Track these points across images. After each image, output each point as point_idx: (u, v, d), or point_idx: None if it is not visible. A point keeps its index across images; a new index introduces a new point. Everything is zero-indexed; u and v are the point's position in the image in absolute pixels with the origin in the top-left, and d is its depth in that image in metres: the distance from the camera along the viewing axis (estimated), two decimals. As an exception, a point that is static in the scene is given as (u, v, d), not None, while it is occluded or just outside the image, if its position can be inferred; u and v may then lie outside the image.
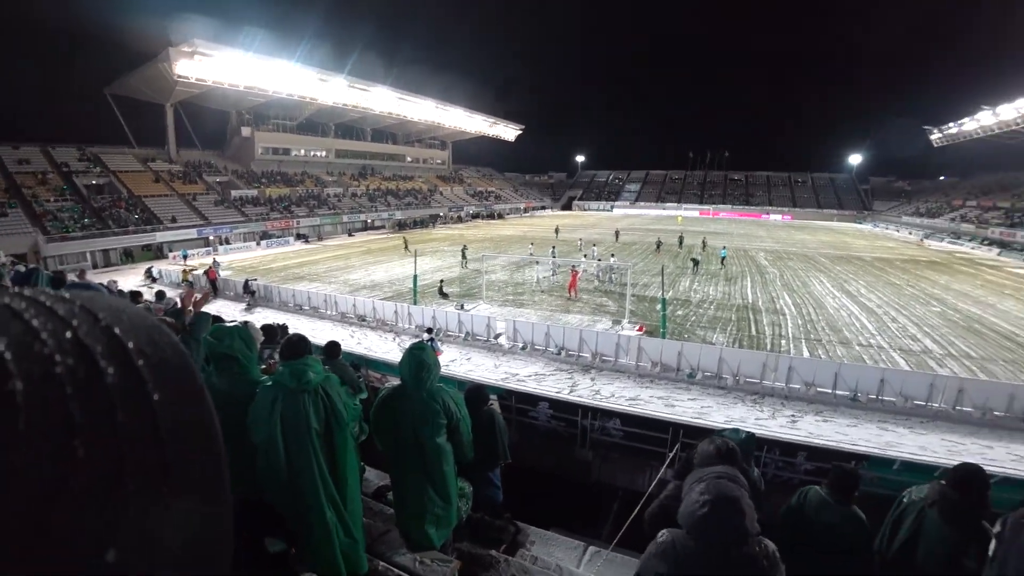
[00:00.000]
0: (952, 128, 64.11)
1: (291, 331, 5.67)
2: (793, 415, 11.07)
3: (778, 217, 74.11)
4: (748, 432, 3.17)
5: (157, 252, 35.70)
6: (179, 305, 6.72)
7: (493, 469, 4.91)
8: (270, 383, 3.05)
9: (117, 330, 0.28)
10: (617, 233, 42.06)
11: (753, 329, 17.10)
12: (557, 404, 9.50)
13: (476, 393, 4.86)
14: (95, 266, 31.42)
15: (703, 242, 36.24)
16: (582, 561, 4.70)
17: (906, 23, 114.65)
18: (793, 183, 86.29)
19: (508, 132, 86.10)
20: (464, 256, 29.35)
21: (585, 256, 28.09)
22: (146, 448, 0.26)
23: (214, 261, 28.38)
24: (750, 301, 21.08)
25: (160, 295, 11.61)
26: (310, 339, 4.95)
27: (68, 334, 0.26)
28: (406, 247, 35.12)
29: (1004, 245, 41.91)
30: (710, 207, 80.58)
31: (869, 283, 25.37)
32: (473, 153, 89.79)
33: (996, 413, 10.68)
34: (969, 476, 2.89)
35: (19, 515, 0.21)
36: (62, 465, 0.23)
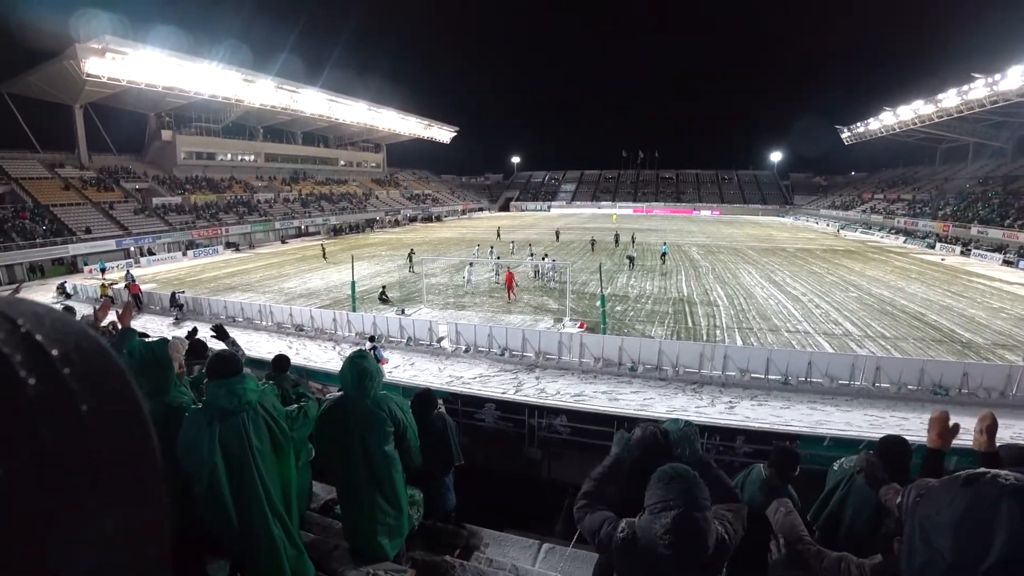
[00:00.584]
0: (859, 127, 69.43)
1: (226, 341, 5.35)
2: (731, 401, 11.55)
3: (708, 213, 77.56)
4: (687, 421, 3.23)
5: (70, 266, 33.00)
6: (94, 320, 6.19)
7: (447, 473, 4.85)
8: (201, 405, 2.87)
9: (39, 337, 0.26)
10: (558, 233, 42.30)
11: (689, 321, 17.71)
12: (503, 405, 9.48)
13: (424, 398, 4.78)
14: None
15: (632, 238, 37.12)
16: (537, 559, 4.72)
17: (819, 29, 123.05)
18: (720, 180, 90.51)
19: (443, 134, 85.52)
20: (411, 260, 28.82)
21: (529, 257, 28.10)
22: (73, 463, 0.24)
23: (127, 273, 26.33)
24: (685, 294, 21.84)
25: (67, 311, 10.70)
26: (247, 351, 4.68)
27: None
28: (324, 256, 33.96)
29: (908, 233, 45.63)
30: (643, 205, 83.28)
31: (793, 273, 26.92)
32: (409, 156, 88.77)
33: (910, 387, 11.58)
34: (893, 445, 3.09)
35: None
36: None
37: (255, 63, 49.65)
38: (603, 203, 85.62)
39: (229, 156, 56.87)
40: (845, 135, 73.79)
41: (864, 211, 58.65)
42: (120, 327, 4.09)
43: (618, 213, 72.83)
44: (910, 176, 65.30)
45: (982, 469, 0.81)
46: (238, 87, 48.87)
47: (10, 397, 0.23)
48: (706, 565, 1.93)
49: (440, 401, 5.20)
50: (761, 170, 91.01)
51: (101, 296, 22.74)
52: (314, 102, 57.37)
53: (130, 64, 39.53)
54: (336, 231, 53.52)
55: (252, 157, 59.49)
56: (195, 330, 7.35)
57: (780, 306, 19.69)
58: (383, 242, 44.94)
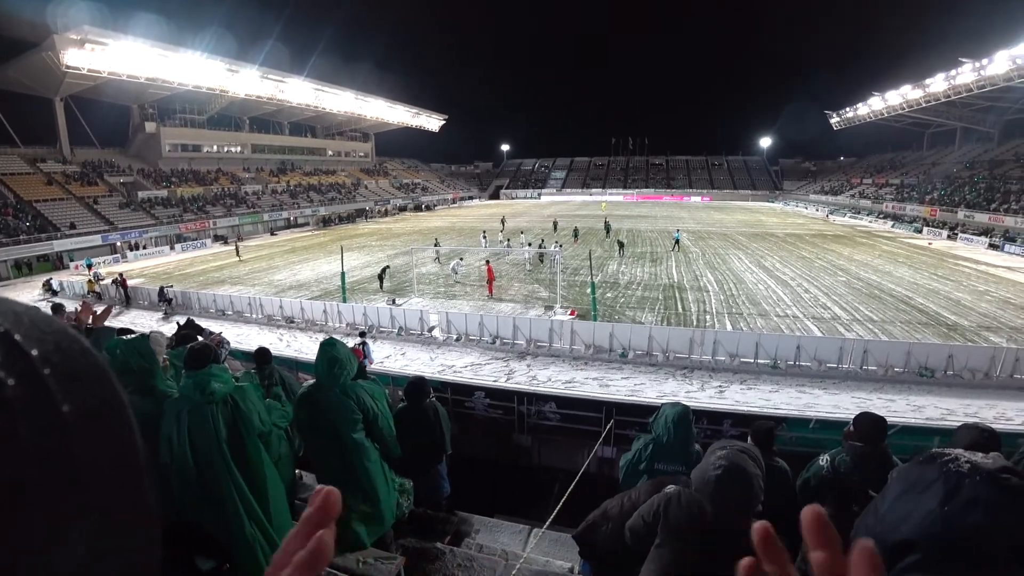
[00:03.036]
0: (848, 112, 69.62)
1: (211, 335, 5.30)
2: (720, 385, 11.66)
3: (698, 199, 77.58)
4: (684, 405, 3.27)
5: (56, 262, 32.51)
6: (77, 318, 6.12)
7: (439, 462, 4.86)
8: (176, 396, 2.88)
9: (17, 337, 0.26)
10: (555, 223, 40.71)
11: (680, 307, 17.79)
12: (493, 392, 9.49)
13: (417, 386, 4.78)
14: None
15: (606, 225, 37.16)
16: (527, 544, 4.74)
17: (808, 14, 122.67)
18: (710, 166, 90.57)
19: (432, 122, 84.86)
20: (437, 252, 27.84)
21: (528, 245, 27.73)
22: (54, 465, 0.24)
23: (94, 274, 25.53)
24: (675, 280, 21.93)
25: (57, 308, 10.53)
26: (236, 346, 4.63)
27: None
28: (238, 254, 32.72)
29: (896, 218, 45.97)
30: (634, 191, 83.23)
31: (783, 258, 27.09)
32: (397, 145, 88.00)
33: (896, 369, 11.71)
34: (868, 422, 3.14)
35: None
36: None
37: (240, 53, 48.87)
38: (593, 190, 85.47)
39: (215, 148, 56.12)
40: (834, 120, 74.01)
41: (853, 196, 58.98)
42: (96, 327, 4.03)
43: (608, 200, 72.74)
44: (898, 161, 65.71)
45: (944, 450, 0.82)
46: (222, 77, 48.00)
47: None
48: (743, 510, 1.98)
49: (431, 390, 5.20)
50: (751, 156, 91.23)
51: (89, 292, 22.49)
52: (300, 91, 56.66)
53: (110, 55, 38.72)
54: (325, 222, 53.11)
55: (238, 148, 58.73)
56: (189, 320, 7.26)
57: (769, 291, 19.83)
58: (373, 232, 44.68)
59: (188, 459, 2.75)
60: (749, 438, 3.51)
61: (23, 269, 30.99)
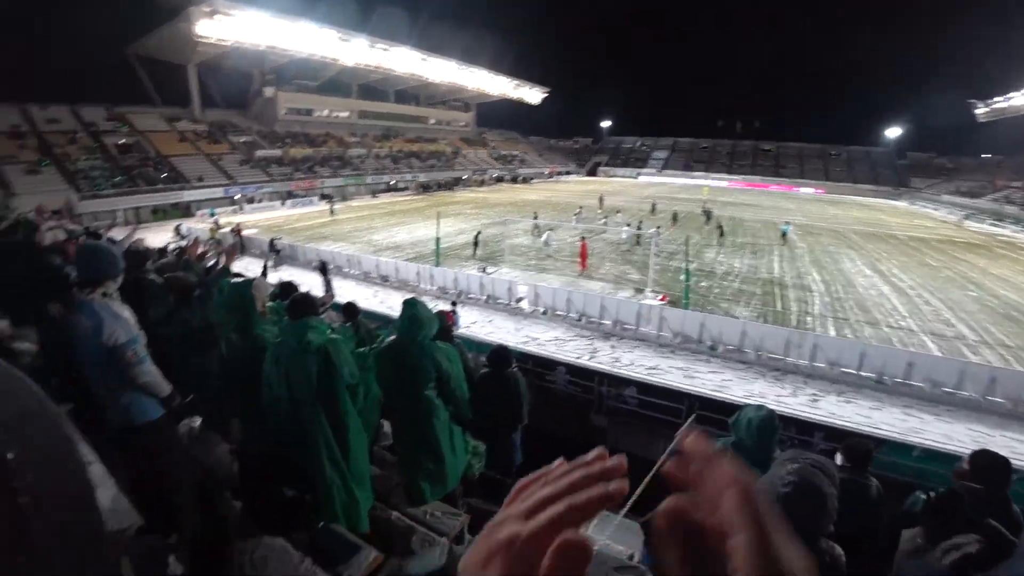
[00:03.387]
0: (999, 102, 60.89)
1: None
2: (815, 394, 10.90)
3: (810, 190, 71.60)
4: (769, 410, 3.07)
5: (185, 210, 36.20)
6: (188, 254, 6.91)
7: (514, 430, 4.94)
8: (277, 340, 3.11)
9: None
10: (654, 206, 38.92)
11: (779, 304, 16.79)
12: (575, 369, 9.54)
13: (500, 355, 4.88)
14: (127, 223, 32.00)
15: (706, 212, 35.12)
16: (591, 525, 4.72)
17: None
18: (827, 155, 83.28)
19: (533, 95, 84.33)
20: (536, 219, 27.83)
21: (627, 225, 26.65)
22: (2, 520, 0.23)
23: (215, 223, 28.15)
24: (777, 276, 20.66)
25: (180, 252, 11.73)
26: (336, 296, 4.98)
27: None
28: (332, 213, 33.78)
29: (1048, 228, 40.16)
30: (738, 177, 78.30)
31: (903, 263, 24.61)
32: (497, 116, 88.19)
33: (1030, 403, 10.36)
34: (988, 462, 2.79)
35: None
36: None
37: (350, 22, 51.34)
38: (695, 173, 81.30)
39: (325, 112, 59.22)
40: (980, 110, 65.05)
41: (996, 200, 52.04)
42: (223, 268, 4.51)
43: (710, 185, 69.13)
44: (1059, 162, 57.05)
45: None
46: (334, 46, 50.91)
47: None
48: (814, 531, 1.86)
49: (514, 359, 5.29)
50: (875, 146, 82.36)
51: (211, 239, 24.85)
52: (406, 60, 58.40)
53: (236, 25, 42.39)
54: (424, 188, 54.80)
55: (346, 114, 61.66)
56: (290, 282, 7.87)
57: (883, 298, 18.17)
58: (469, 200, 45.58)
59: (284, 399, 3.00)
60: (839, 455, 3.25)
61: (159, 214, 34.80)
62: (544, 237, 23.79)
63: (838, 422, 8.81)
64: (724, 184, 75.12)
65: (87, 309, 2.73)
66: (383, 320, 10.85)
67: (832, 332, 14.39)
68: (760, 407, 3.04)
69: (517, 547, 0.37)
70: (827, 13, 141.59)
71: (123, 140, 40.77)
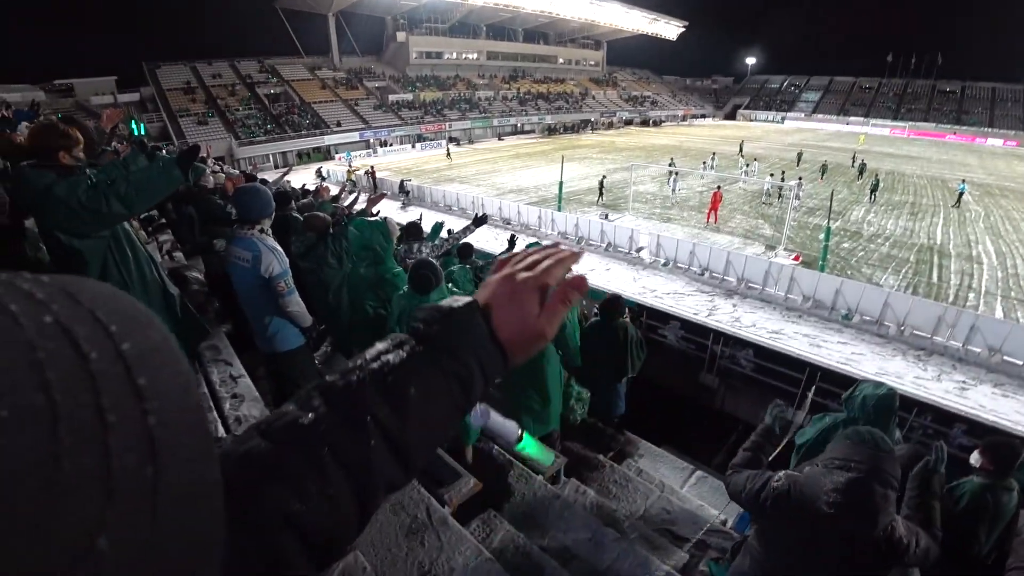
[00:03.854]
0: None
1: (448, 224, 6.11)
2: (964, 382, 9.64)
3: (998, 142, 59.25)
4: (889, 388, 2.86)
5: (326, 154, 39.48)
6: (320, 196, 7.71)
7: (618, 381, 4.98)
8: (403, 291, 3.30)
9: (100, 314, 0.28)
10: (800, 155, 34.88)
11: (935, 275, 14.92)
12: (690, 326, 9.37)
13: (612, 304, 4.86)
14: (275, 166, 35.70)
15: (859, 164, 30.70)
16: (687, 483, 4.76)
17: None
18: (1028, 98, 68.93)
19: (670, 29, 77.97)
20: (672, 166, 25.54)
21: (770, 176, 24.45)
22: (133, 434, 0.26)
23: (350, 165, 30.17)
24: (938, 242, 18.19)
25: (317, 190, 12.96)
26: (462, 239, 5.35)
27: (48, 318, 0.26)
28: (448, 156, 34.23)
29: None
30: (906, 125, 66.89)
31: (1115, 233, 20.36)
32: (630, 54, 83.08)
33: None
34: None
35: (8, 505, 0.21)
36: (48, 452, 0.22)
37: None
38: (852, 118, 71.21)
39: (454, 55, 60.03)
40: None
41: None
42: (368, 207, 5.01)
43: (868, 133, 60.68)
44: None
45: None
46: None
47: (76, 370, 0.25)
48: (870, 550, 1.73)
49: (627, 310, 5.34)
50: (1100, 87, 66.81)
51: (347, 180, 26.96)
52: (536, -6, 56.54)
53: None
54: (550, 131, 54.38)
55: (475, 55, 61.95)
56: (420, 217, 8.49)
57: (1078, 276, 15.37)
58: (596, 144, 44.65)
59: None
60: (977, 453, 2.91)
61: (303, 157, 38.34)
62: (671, 182, 22.94)
63: (988, 416, 7.82)
64: (886, 132, 65.35)
65: (248, 243, 3.09)
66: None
67: (999, 313, 12.60)
68: (880, 384, 2.82)
69: (522, 283, 0.61)
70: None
71: (273, 90, 44.91)
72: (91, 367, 0.25)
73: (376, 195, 5.04)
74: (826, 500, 1.73)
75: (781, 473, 1.98)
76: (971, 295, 13.67)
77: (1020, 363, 9.84)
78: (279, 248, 3.19)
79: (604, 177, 22.86)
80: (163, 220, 6.95)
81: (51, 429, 0.22)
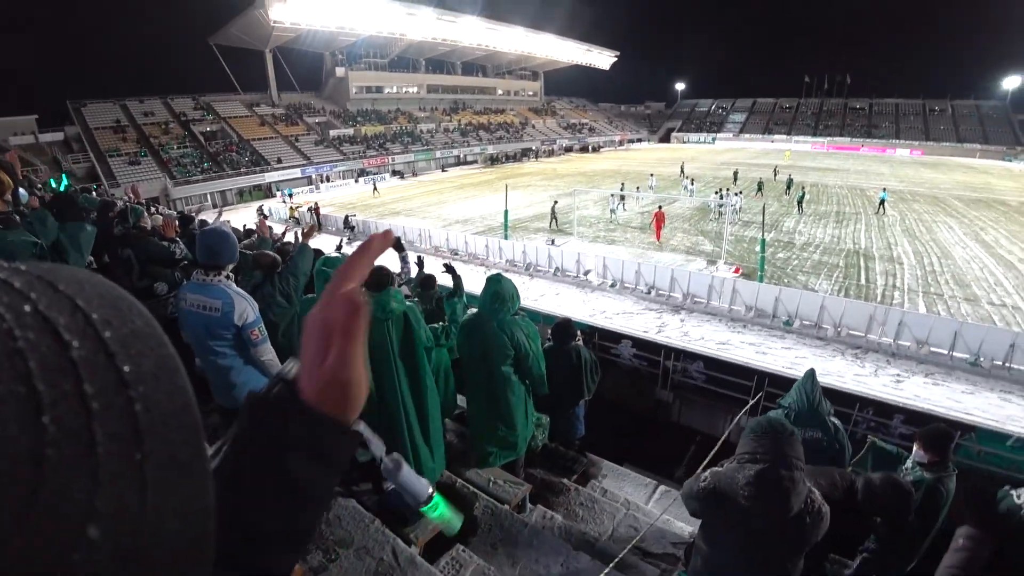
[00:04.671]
0: None
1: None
2: (899, 375, 10.26)
3: (906, 152, 65.26)
4: (810, 368, 3.15)
5: (266, 191, 38.54)
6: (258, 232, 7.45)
7: (576, 404, 4.98)
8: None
9: (80, 301, 0.27)
10: (736, 173, 36.07)
11: (863, 278, 15.84)
12: (641, 343, 9.52)
13: (563, 328, 4.89)
14: (214, 206, 34.51)
15: (777, 175, 33.85)
16: (651, 499, 4.80)
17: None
18: (928, 112, 75.56)
19: (602, 59, 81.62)
20: (622, 191, 26.46)
21: (715, 194, 25.33)
22: (118, 420, 0.25)
23: (292, 203, 29.87)
24: (863, 247, 19.41)
25: (248, 231, 12.59)
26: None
27: (27, 307, 0.25)
28: (375, 191, 34.24)
29: None
30: (824, 140, 72.66)
31: (1013, 232, 22.28)
32: (566, 83, 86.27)
33: None
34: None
35: None
36: (32, 442, 0.22)
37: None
38: (776, 136, 76.54)
39: (395, 89, 60.41)
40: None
41: None
42: (302, 244, 4.88)
43: (793, 149, 64.83)
44: None
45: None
46: (401, 20, 51.30)
47: (57, 359, 0.25)
48: (796, 526, 1.86)
49: (579, 333, 5.37)
50: (986, 100, 73.74)
51: (290, 218, 26.35)
52: (472, 30, 57.98)
53: (306, 7, 43.81)
54: (493, 160, 55.09)
55: (415, 89, 62.57)
56: (397, 239, 8.31)
57: (985, 271, 16.66)
58: (538, 171, 45.48)
59: (367, 364, 3.24)
60: (919, 448, 3.08)
61: (243, 196, 37.27)
62: (612, 206, 23.63)
63: (923, 405, 8.29)
64: (808, 147, 70.21)
65: (215, 291, 2.95)
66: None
67: (922, 308, 13.48)
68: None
69: (310, 322, 0.54)
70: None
71: (209, 128, 43.74)
72: (73, 355, 0.25)
73: (309, 229, 4.88)
74: (743, 494, 1.84)
75: (707, 472, 2.07)
76: (896, 293, 14.56)
77: (945, 352, 10.59)
78: (248, 295, 3.07)
79: (556, 203, 23.16)
80: (95, 266, 6.53)
81: (35, 419, 0.22)
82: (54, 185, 11.47)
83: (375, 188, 37.77)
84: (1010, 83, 70.15)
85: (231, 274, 3.07)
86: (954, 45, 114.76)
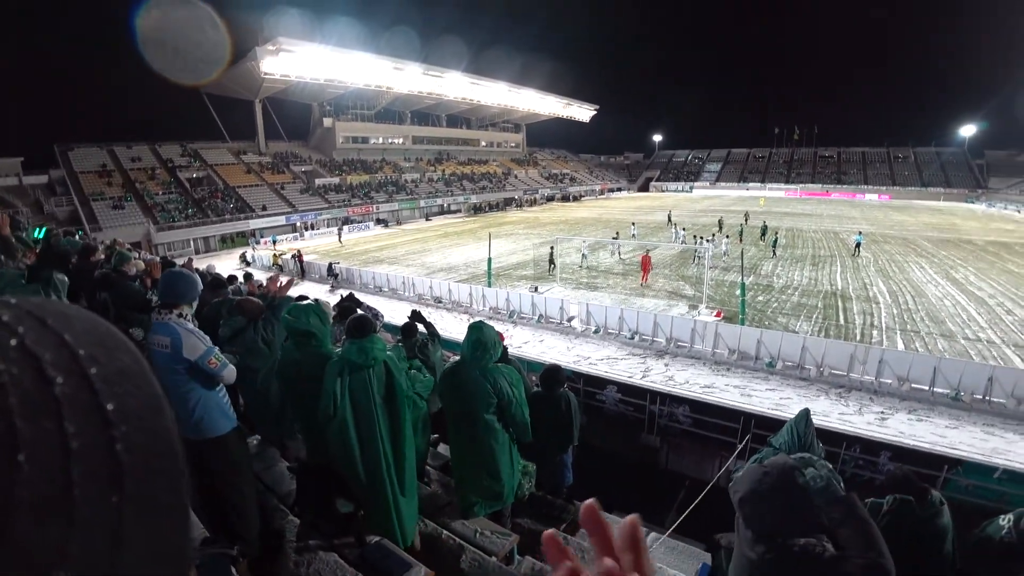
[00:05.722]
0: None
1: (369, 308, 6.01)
2: (883, 412, 10.34)
3: (874, 197, 68.40)
4: (804, 410, 3.12)
5: (251, 238, 38.49)
6: (265, 288, 7.40)
7: (564, 451, 4.91)
8: (337, 358, 3.24)
9: (67, 336, 0.27)
10: (721, 222, 37.27)
11: (841, 318, 16.12)
12: (626, 388, 9.50)
13: (552, 374, 4.84)
14: (196, 252, 34.32)
15: (745, 216, 35.25)
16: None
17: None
18: (892, 159, 79.13)
19: (582, 113, 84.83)
20: (616, 239, 27.38)
21: (702, 240, 26.67)
22: (97, 461, 0.25)
23: (277, 250, 30.02)
24: (839, 288, 19.83)
25: (248, 277, 12.49)
26: (388, 320, 5.25)
27: (13, 341, 0.25)
28: (340, 241, 34.61)
29: None
30: (797, 187, 75.76)
31: (981, 270, 23.07)
32: (547, 135, 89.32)
33: None
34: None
35: None
36: (4, 481, 0.22)
37: (403, 51, 53.84)
38: (751, 184, 79.58)
39: (380, 139, 61.82)
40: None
41: (1088, 198, 48.00)
42: (280, 295, 4.86)
43: (767, 196, 67.13)
44: None
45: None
46: (388, 75, 53.36)
47: (39, 395, 0.24)
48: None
49: (565, 379, 5.34)
50: (946, 147, 77.39)
51: (273, 264, 26.28)
52: (456, 85, 60.20)
53: (297, 60, 45.34)
54: (476, 209, 55.93)
55: (400, 140, 64.07)
56: (350, 295, 8.32)
57: (958, 308, 17.11)
58: (520, 220, 46.21)
59: (348, 414, 3.12)
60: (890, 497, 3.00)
61: (227, 242, 37.14)
62: (582, 255, 24.68)
63: (908, 441, 8.37)
64: (782, 194, 72.85)
65: (165, 328, 2.97)
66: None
67: (901, 346, 13.69)
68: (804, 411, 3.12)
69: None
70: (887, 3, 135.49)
71: (195, 174, 44.04)
72: (56, 391, 0.24)
73: (288, 280, 4.85)
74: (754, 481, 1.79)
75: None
76: (875, 332, 14.80)
77: (926, 388, 10.72)
78: (198, 329, 3.07)
79: (553, 248, 23.42)
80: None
81: (10, 457, 0.22)
82: (37, 235, 11.36)
83: (339, 238, 37.53)
84: (966, 131, 74.07)
85: (184, 312, 3.08)
86: (912, 97, 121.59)
